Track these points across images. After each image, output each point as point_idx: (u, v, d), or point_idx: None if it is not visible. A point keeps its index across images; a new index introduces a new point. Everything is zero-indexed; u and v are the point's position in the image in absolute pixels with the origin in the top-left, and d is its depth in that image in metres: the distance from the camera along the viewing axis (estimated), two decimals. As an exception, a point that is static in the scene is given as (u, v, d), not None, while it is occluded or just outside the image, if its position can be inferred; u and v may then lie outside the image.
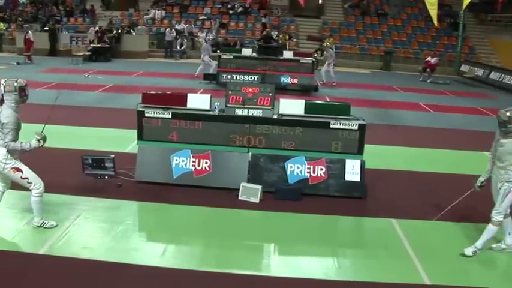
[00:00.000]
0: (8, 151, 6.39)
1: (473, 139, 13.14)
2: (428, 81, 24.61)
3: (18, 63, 24.09)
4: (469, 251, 6.57)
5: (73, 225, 6.92)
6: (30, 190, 6.64)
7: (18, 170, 6.52)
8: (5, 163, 6.42)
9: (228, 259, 6.31)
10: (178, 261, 6.17)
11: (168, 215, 7.56)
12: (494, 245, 6.77)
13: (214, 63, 20.78)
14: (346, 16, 33.84)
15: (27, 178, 6.56)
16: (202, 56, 21.92)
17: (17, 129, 6.42)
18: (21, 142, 6.43)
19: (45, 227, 6.73)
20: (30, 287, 5.49)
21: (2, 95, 6.42)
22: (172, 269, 5.95)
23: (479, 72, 26.26)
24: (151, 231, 7.18)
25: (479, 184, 6.94)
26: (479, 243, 6.58)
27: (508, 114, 6.37)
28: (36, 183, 6.60)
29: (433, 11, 20.16)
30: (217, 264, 6.14)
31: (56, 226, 6.79)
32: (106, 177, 8.54)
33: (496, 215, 6.48)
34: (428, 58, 25.53)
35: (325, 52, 22.65)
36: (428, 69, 25.02)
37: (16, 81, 6.41)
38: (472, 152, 11.73)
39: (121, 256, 6.22)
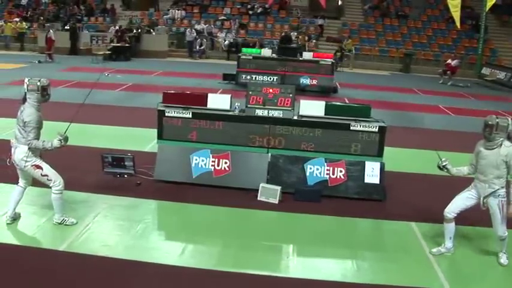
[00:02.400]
0: (29, 149, 6.46)
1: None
2: (449, 83, 24.38)
3: (39, 62, 24.38)
4: (504, 259, 6.46)
5: (92, 222, 6.97)
6: (50, 187, 6.70)
7: (39, 167, 6.59)
8: (26, 160, 6.50)
9: (246, 259, 6.30)
10: (197, 261, 6.18)
11: (187, 215, 7.58)
12: (434, 250, 6.66)
13: None
14: (365, 17, 33.69)
15: (47, 175, 6.63)
16: None
17: (39, 127, 6.51)
18: (44, 141, 6.51)
19: (65, 224, 6.80)
20: (50, 283, 5.53)
21: (25, 93, 6.50)
22: (191, 268, 5.96)
23: (501, 75, 25.90)
24: (170, 230, 7.21)
25: (443, 164, 6.99)
26: (504, 250, 6.51)
27: (497, 120, 6.22)
28: (56, 181, 6.67)
29: (456, 13, 19.95)
30: (235, 264, 6.13)
31: (76, 223, 6.84)
32: (125, 175, 8.61)
33: (501, 233, 6.37)
34: (449, 60, 25.30)
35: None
36: (448, 72, 24.78)
37: (39, 81, 6.50)
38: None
39: (140, 254, 6.25)
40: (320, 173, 8.35)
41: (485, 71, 27.34)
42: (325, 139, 8.30)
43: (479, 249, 6.84)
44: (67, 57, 26.74)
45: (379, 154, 8.33)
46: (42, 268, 5.79)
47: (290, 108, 8.41)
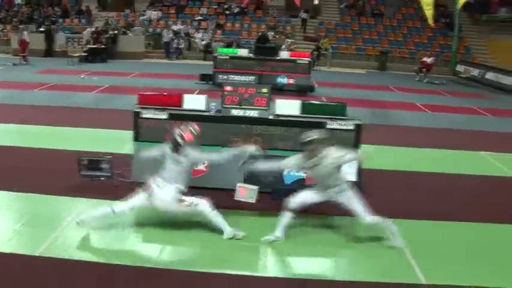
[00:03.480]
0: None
1: (469, 139, 13.23)
2: (424, 81, 24.66)
3: (14, 64, 24.06)
4: (399, 242, 6.72)
5: (69, 226, 6.90)
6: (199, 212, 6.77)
7: (181, 200, 6.67)
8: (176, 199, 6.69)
9: (224, 259, 6.31)
10: (175, 262, 6.17)
11: (164, 216, 7.51)
12: (265, 237, 6.78)
13: None
14: (342, 16, 33.91)
15: (191, 202, 6.70)
16: None
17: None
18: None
19: (236, 238, 6.77)
20: (26, 289, 5.48)
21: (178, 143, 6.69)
22: (169, 270, 5.95)
23: (475, 72, 26.30)
24: (147, 232, 7.14)
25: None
26: (395, 240, 6.75)
27: (314, 136, 6.52)
28: (201, 202, 6.73)
29: (429, 11, 20.25)
30: (214, 264, 6.14)
31: (244, 235, 6.83)
32: (102, 178, 8.55)
33: (369, 219, 6.65)
34: (424, 58, 25.58)
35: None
36: (424, 69, 25.06)
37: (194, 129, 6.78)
38: (468, 152, 11.80)
39: (117, 257, 6.22)
40: (297, 172, 8.38)
41: (460, 68, 27.72)
42: (302, 138, 8.31)
43: (458, 244, 6.95)
44: (42, 59, 26.40)
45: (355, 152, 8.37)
46: (18, 274, 5.71)
47: (266, 108, 8.43)
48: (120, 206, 6.78)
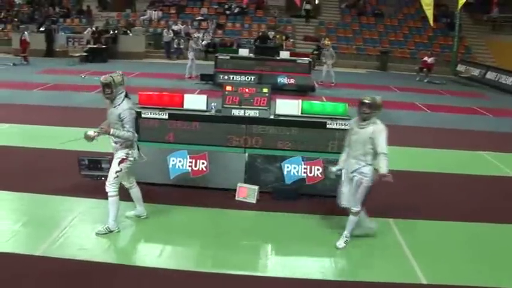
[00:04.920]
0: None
1: (469, 138, 13.23)
2: (425, 81, 24.65)
3: (14, 64, 24.04)
4: (340, 242, 6.74)
5: (70, 226, 6.90)
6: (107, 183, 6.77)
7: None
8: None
9: (225, 260, 6.30)
10: (175, 262, 6.16)
11: (165, 216, 7.54)
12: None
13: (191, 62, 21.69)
14: (342, 16, 33.92)
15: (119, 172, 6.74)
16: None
17: None
18: None
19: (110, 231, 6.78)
20: (26, 289, 5.48)
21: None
22: (169, 270, 5.94)
23: (476, 72, 26.30)
24: (147, 232, 7.15)
25: (334, 171, 6.96)
26: (347, 233, 6.79)
27: (375, 98, 6.49)
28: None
29: (429, 11, 20.27)
30: (214, 264, 6.14)
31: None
32: (103, 178, 8.52)
33: (353, 207, 6.66)
34: (425, 58, 25.55)
35: (326, 51, 22.29)
36: (424, 69, 25.06)
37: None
38: (468, 152, 11.79)
39: (118, 257, 6.24)
40: (297, 172, 8.38)
41: (460, 68, 27.73)
42: (302, 138, 8.33)
43: (458, 244, 6.95)
44: (43, 59, 26.40)
45: (355, 152, 8.36)
46: (17, 274, 5.70)
47: (266, 108, 8.42)
48: (112, 186, 6.73)
